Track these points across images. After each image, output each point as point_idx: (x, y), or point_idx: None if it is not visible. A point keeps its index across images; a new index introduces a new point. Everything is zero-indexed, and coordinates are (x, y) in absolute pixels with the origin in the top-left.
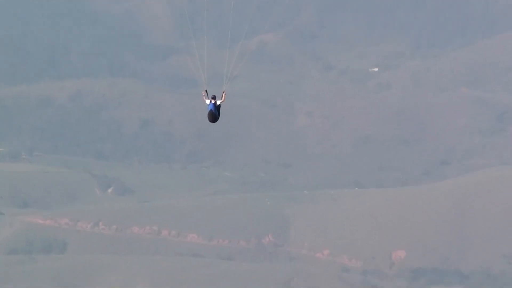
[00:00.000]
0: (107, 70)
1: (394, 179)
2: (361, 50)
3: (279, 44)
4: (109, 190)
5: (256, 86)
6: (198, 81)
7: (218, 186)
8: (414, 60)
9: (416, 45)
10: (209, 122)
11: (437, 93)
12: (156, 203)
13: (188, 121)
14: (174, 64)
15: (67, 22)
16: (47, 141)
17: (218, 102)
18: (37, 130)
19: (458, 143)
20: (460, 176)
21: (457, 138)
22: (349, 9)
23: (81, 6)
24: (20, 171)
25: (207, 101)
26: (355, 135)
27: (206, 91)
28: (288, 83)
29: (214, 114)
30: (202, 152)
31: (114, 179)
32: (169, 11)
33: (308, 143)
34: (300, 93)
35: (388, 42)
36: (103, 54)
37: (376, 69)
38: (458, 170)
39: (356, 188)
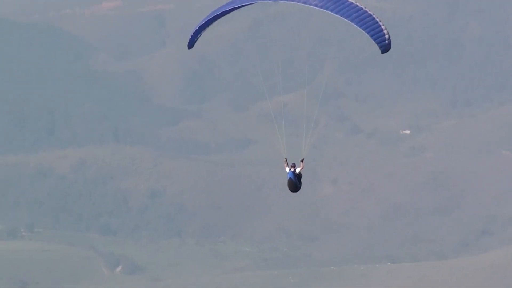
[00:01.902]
0: (112, 136)
1: (430, 252)
2: (390, 109)
3: (300, 104)
4: (117, 269)
5: (275, 152)
6: (212, 147)
7: (236, 263)
8: (449, 121)
9: (451, 104)
10: (290, 191)
11: (475, 156)
12: (168, 282)
13: (201, 191)
14: (185, 128)
15: (68, 84)
16: (48, 215)
17: (298, 170)
18: (36, 203)
19: (499, 210)
20: (503, 247)
21: (498, 205)
22: (376, 64)
23: (82, 66)
24: (19, 249)
25: (287, 169)
26: (385, 204)
27: (286, 159)
28: (311, 147)
29: (294, 183)
30: (217, 225)
31: (122, 256)
32: (179, 70)
33: (334, 213)
34: (324, 158)
35: (420, 101)
36: (107, 119)
37: (407, 131)
38: (500, 240)
39: (389, 263)
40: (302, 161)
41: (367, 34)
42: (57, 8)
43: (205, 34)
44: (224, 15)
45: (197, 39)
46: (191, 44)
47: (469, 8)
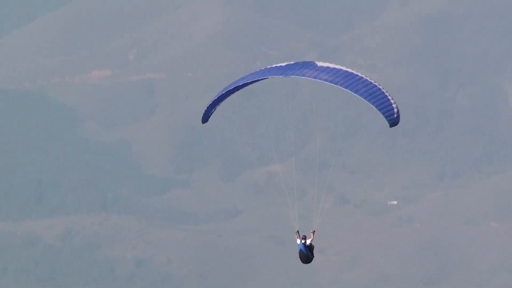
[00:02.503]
0: (99, 205)
1: None
2: (378, 180)
3: (287, 174)
4: None
5: (263, 222)
6: (200, 217)
7: None
8: (437, 192)
9: (439, 175)
10: (302, 263)
11: (463, 227)
12: None
13: (188, 260)
14: (173, 198)
15: (56, 153)
16: (35, 284)
17: (308, 242)
18: (24, 272)
19: (488, 283)
20: None
21: (486, 278)
22: (365, 135)
23: (70, 135)
24: None
25: (298, 241)
26: (373, 275)
27: (298, 231)
28: (299, 218)
29: (306, 255)
30: None
31: None
32: (168, 140)
33: (321, 283)
34: (312, 228)
35: (408, 172)
36: (96, 188)
37: (395, 202)
38: None
39: None
40: (313, 232)
41: (376, 109)
42: (47, 76)
43: (193, 102)
44: (238, 90)
45: (211, 113)
46: (205, 119)
47: (459, 80)
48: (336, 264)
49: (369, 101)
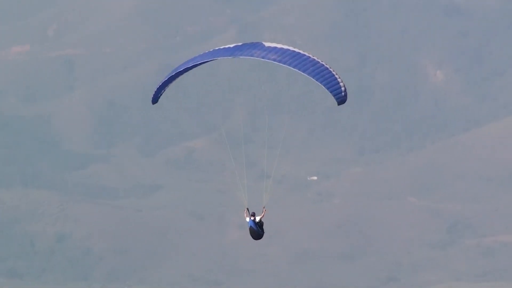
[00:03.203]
0: (19, 180)
1: None
2: (298, 156)
3: (207, 150)
4: None
5: (183, 197)
6: (119, 192)
7: None
8: (357, 167)
9: (359, 151)
10: (252, 239)
11: (382, 203)
12: None
13: (108, 235)
14: (93, 173)
15: None
16: None
17: (258, 219)
18: None
19: (406, 257)
20: None
21: (404, 252)
22: (285, 111)
23: None
24: None
25: (247, 219)
26: (292, 250)
27: (247, 209)
28: (218, 193)
29: (256, 231)
30: (124, 269)
31: None
32: (88, 115)
33: (240, 258)
34: (231, 203)
35: (328, 148)
36: (15, 163)
37: (315, 178)
38: (407, 286)
39: None
40: (264, 208)
41: (324, 87)
42: None
43: (113, 78)
44: (186, 72)
45: (161, 94)
46: (155, 100)
47: (378, 56)
48: (255, 240)
49: (317, 80)
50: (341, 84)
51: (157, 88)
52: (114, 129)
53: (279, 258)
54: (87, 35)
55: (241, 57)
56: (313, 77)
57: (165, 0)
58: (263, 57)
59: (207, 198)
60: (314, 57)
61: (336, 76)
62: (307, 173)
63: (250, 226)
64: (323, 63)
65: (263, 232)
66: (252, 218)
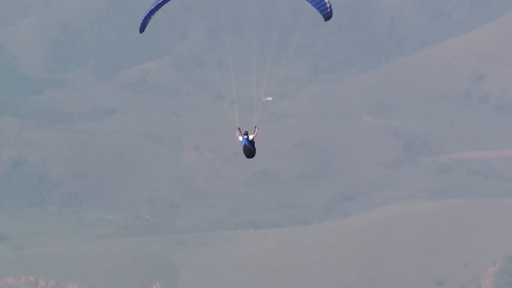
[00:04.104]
0: None
1: (293, 218)
2: (253, 77)
3: (162, 72)
4: None
5: (138, 120)
6: (75, 116)
7: (99, 231)
8: (313, 87)
9: (314, 70)
10: (245, 157)
11: (339, 122)
12: (32, 251)
13: (64, 160)
14: (48, 98)
15: None
16: None
17: (251, 137)
18: None
19: (362, 176)
20: (365, 212)
21: (361, 171)
22: (239, 32)
23: None
24: None
25: (240, 138)
26: (249, 171)
27: (239, 128)
28: (173, 115)
29: (249, 149)
30: (80, 193)
31: None
32: (42, 40)
33: (197, 180)
34: (187, 126)
35: (283, 68)
36: None
37: (270, 98)
38: (363, 205)
39: (251, 229)
40: (255, 127)
41: (310, 4)
42: None
43: (67, 2)
44: None
45: (147, 23)
46: (142, 29)
47: None
48: (212, 161)
49: None
50: (326, 0)
51: (144, 17)
52: (69, 53)
53: (236, 179)
54: None
55: None
56: None
57: None
58: None
59: (162, 121)
60: None
61: None
62: (262, 94)
63: (244, 145)
64: None
65: (255, 150)
66: (246, 136)
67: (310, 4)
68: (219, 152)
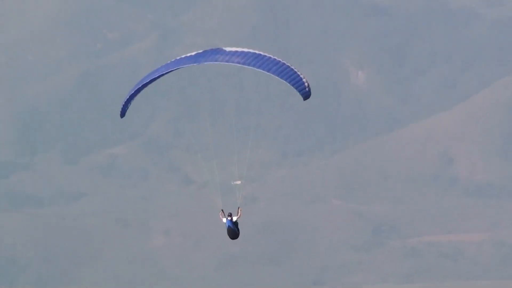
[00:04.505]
0: None
1: None
2: (222, 160)
3: (131, 156)
4: None
5: (107, 204)
6: (44, 200)
7: None
8: (281, 170)
9: (283, 154)
10: (230, 239)
11: (307, 206)
12: None
13: (33, 243)
14: (16, 181)
15: None
16: None
17: (235, 219)
18: None
19: (332, 260)
20: None
21: (330, 255)
22: (206, 115)
23: None
24: None
25: (224, 220)
26: (218, 255)
27: (222, 210)
28: (142, 199)
29: (233, 230)
30: (49, 276)
31: None
32: (10, 123)
33: (166, 264)
34: (156, 209)
35: (252, 152)
36: None
37: (238, 182)
38: None
39: None
40: (239, 208)
41: (289, 84)
42: None
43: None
44: (152, 82)
45: (128, 108)
46: (123, 114)
47: (299, 58)
48: (181, 246)
49: (281, 77)
50: (304, 80)
51: (125, 102)
52: (37, 136)
53: (204, 263)
54: (8, 43)
55: (205, 63)
56: (278, 75)
57: (85, 7)
58: (227, 61)
59: (131, 205)
60: (274, 57)
61: (299, 73)
62: (230, 178)
63: (228, 226)
64: (284, 62)
65: (239, 231)
66: (229, 218)
67: (289, 84)
68: (188, 236)
